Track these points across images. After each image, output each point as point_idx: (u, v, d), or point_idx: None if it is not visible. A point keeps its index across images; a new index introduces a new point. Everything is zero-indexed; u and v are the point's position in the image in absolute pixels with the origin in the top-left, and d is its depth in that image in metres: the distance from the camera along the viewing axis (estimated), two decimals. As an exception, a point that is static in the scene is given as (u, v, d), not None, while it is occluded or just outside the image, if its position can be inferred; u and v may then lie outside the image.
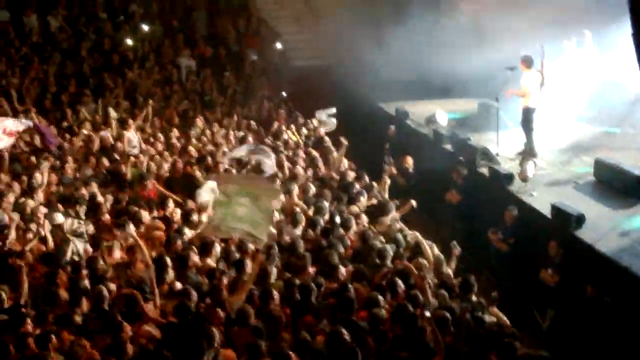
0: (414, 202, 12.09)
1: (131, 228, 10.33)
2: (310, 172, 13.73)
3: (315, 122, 16.49)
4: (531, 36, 14.90)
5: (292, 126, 16.89)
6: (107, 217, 11.44)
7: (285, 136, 16.07)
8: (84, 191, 12.39)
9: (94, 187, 12.66)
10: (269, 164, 12.30)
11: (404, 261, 9.70)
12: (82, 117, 17.31)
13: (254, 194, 9.34)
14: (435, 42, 18.19)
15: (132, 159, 14.22)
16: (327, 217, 11.37)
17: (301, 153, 14.83)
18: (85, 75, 20.19)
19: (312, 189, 12.55)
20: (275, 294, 8.64)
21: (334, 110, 15.89)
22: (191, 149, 15.02)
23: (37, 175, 12.95)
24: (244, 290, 8.72)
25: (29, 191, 12.52)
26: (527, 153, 14.25)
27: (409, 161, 14.84)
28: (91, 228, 11.03)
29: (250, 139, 15.68)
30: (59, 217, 10.92)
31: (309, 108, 17.31)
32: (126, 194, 12.74)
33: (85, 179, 13.06)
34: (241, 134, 16.37)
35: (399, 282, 9.05)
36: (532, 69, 14.23)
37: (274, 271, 9.57)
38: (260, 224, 9.24)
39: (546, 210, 11.72)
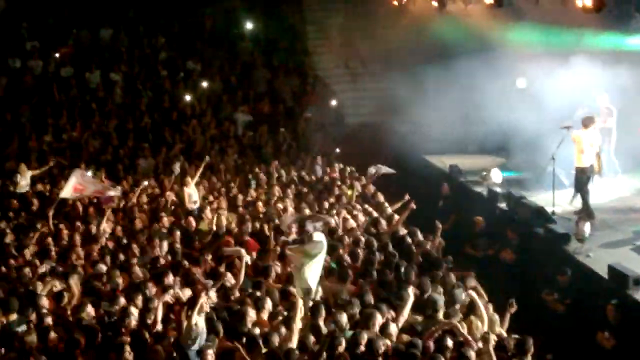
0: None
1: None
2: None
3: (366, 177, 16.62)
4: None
5: (347, 181, 16.92)
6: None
7: (337, 191, 16.12)
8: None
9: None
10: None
11: (452, 320, 9.55)
12: (141, 171, 17.67)
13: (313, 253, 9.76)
14: (488, 100, 18.22)
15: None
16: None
17: (357, 207, 14.88)
18: (145, 130, 20.67)
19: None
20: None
21: (385, 168, 16.06)
22: (259, 204, 15.15)
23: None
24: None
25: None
26: (584, 213, 14.08)
27: (480, 222, 14.77)
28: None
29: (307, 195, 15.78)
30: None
31: (362, 164, 17.46)
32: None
33: None
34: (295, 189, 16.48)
35: (448, 340, 8.95)
36: (590, 129, 14.14)
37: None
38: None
39: (603, 272, 11.52)
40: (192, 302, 9.40)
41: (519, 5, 18.93)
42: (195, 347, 8.99)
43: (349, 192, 16.06)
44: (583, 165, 14.20)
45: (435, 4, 20.20)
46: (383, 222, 13.73)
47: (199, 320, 9.13)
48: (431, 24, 20.86)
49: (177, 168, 17.07)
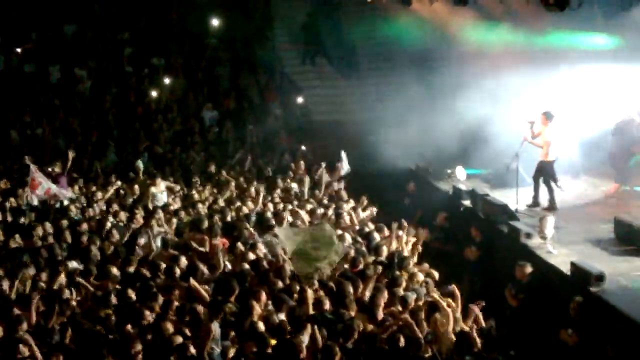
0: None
1: None
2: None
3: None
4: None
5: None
6: None
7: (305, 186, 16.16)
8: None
9: None
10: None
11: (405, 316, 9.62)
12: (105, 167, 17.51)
13: (320, 235, 10.30)
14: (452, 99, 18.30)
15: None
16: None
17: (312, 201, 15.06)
18: (110, 126, 20.49)
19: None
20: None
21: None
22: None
23: None
24: None
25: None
26: (550, 205, 14.37)
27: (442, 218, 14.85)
28: None
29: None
30: None
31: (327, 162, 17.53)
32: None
33: None
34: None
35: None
36: (551, 123, 14.43)
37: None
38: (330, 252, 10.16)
39: (565, 268, 11.62)
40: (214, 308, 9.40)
41: (483, 4, 19.00)
42: (218, 349, 8.96)
43: (293, 185, 16.06)
44: (548, 159, 14.49)
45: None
46: (346, 218, 13.81)
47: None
48: (397, 20, 20.91)
49: (140, 165, 16.99)
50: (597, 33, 16.86)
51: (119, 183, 16.23)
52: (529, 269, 11.92)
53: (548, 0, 14.53)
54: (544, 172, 14.61)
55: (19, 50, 23.02)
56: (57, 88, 22.17)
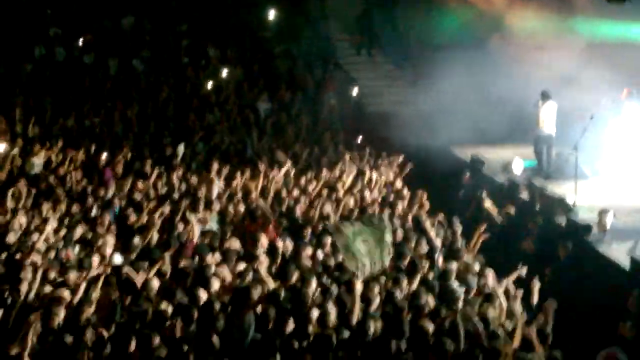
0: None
1: None
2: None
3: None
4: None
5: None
6: None
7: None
8: None
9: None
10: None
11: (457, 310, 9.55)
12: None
13: (371, 231, 10.63)
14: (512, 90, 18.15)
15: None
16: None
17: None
18: (166, 117, 20.75)
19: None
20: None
21: None
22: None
23: None
24: None
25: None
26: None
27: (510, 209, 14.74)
28: None
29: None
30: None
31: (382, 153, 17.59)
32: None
33: None
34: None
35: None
36: (549, 101, 16.28)
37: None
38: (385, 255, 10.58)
39: (625, 262, 11.47)
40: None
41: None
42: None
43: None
44: (543, 133, 16.43)
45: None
46: (399, 207, 13.90)
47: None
48: (455, 12, 20.80)
49: (181, 149, 17.16)
50: None
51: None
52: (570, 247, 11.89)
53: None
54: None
55: (80, 42, 23.38)
56: (116, 79, 22.51)
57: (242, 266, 10.95)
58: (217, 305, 9.35)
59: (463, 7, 20.68)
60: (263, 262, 10.86)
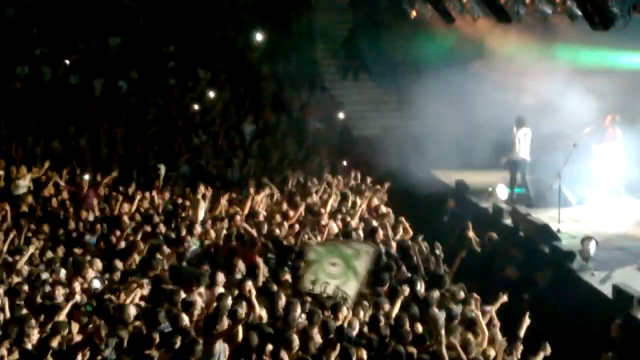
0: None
1: None
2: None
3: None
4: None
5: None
6: None
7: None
8: None
9: None
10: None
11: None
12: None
13: (347, 254, 10.75)
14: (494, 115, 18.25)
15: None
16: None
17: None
18: (153, 138, 20.72)
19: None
20: None
21: None
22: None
23: None
24: None
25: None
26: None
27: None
28: None
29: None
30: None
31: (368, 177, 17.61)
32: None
33: None
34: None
35: None
36: (523, 128, 16.47)
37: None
38: (351, 282, 10.54)
39: (607, 291, 11.49)
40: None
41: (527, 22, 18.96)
42: None
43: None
44: (517, 157, 16.52)
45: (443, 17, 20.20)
46: (380, 232, 13.82)
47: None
48: (440, 37, 20.92)
49: (162, 169, 17.19)
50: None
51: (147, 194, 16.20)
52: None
53: (593, 18, 14.41)
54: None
55: (67, 61, 23.35)
56: (102, 99, 22.47)
57: (222, 290, 10.90)
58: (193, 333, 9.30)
59: (448, 32, 20.78)
60: (250, 287, 10.80)
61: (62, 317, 9.72)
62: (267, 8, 25.43)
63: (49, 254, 12.66)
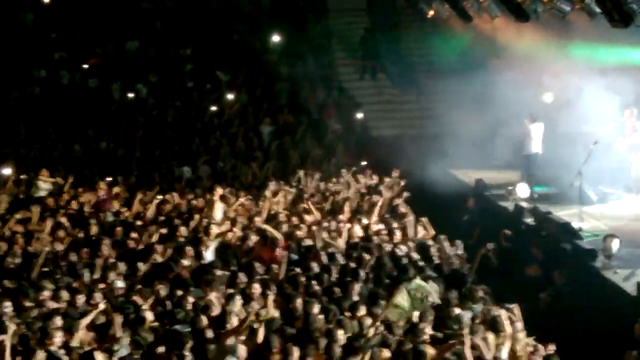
0: None
1: None
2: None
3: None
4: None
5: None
6: None
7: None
8: None
9: None
10: None
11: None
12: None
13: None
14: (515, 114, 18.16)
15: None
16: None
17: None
18: (170, 140, 20.79)
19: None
20: None
21: None
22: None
23: None
24: None
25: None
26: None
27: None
28: None
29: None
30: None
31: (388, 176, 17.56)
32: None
33: None
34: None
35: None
36: (537, 122, 16.92)
37: None
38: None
39: (631, 289, 11.38)
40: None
41: (545, 20, 18.87)
42: None
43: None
44: (531, 151, 16.94)
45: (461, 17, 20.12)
46: (398, 233, 13.79)
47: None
48: (458, 36, 20.86)
49: (186, 172, 17.18)
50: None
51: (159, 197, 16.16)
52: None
53: (613, 15, 14.29)
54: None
55: (85, 66, 23.48)
56: (120, 103, 22.59)
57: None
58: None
59: (466, 31, 20.72)
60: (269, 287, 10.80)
61: (87, 321, 9.74)
62: (284, 10, 25.48)
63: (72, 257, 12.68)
